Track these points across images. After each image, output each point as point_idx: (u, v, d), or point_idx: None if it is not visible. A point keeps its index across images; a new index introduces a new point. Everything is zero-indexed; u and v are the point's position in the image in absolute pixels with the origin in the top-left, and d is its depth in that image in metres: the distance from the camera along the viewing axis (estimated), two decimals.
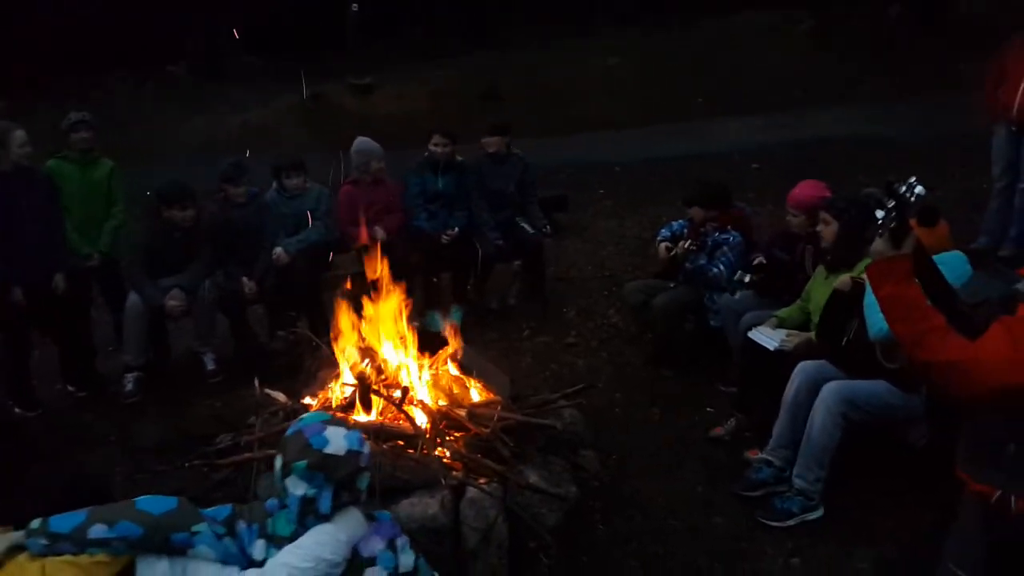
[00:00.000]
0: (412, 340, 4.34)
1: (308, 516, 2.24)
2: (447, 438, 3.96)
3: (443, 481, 3.67)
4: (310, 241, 5.94)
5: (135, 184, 6.27)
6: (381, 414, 4.10)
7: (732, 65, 14.34)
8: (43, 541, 2.12)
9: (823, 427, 3.75)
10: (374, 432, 3.90)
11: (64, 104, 9.34)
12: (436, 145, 6.25)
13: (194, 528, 2.18)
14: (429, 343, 4.44)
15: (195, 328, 5.73)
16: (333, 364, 4.39)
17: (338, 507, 2.26)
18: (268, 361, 5.52)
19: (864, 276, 3.53)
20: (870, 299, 3.54)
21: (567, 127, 12.64)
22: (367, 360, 4.32)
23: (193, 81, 17.28)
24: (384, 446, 3.83)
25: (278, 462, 2.31)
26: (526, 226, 6.39)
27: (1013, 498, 2.06)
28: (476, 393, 4.34)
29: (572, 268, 7.33)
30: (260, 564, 2.20)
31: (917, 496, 3.67)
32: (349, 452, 2.27)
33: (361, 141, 6.32)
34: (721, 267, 5.15)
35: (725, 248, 5.20)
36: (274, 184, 6.09)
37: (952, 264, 3.09)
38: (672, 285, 5.45)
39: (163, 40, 17.80)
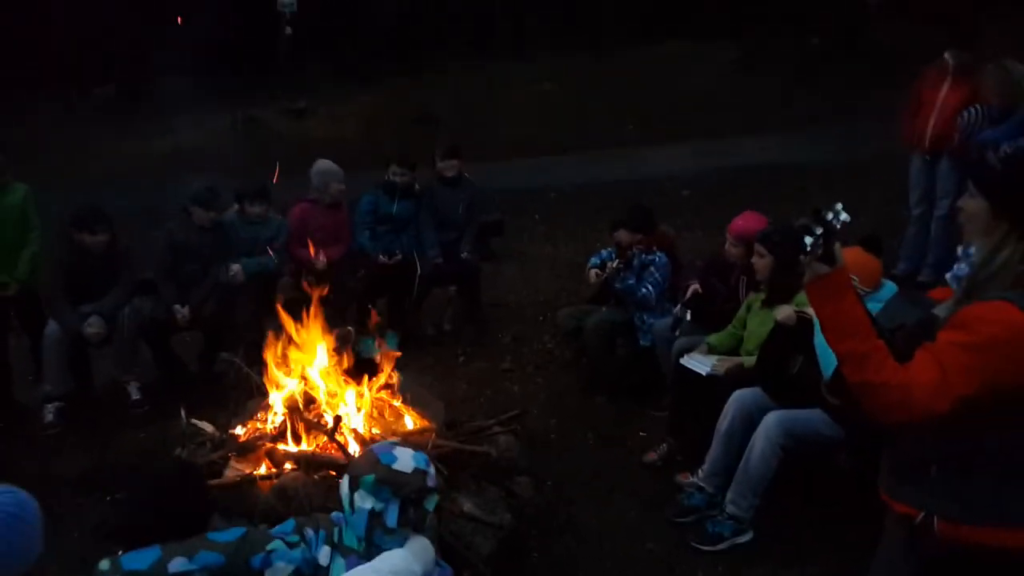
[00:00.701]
0: (346, 367, 4.29)
1: (375, 530, 2.29)
2: None
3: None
4: (267, 268, 5.87)
5: (59, 209, 6.07)
6: (313, 443, 4.04)
7: (662, 92, 14.67)
8: None
9: (762, 457, 3.81)
10: (305, 462, 3.84)
11: None
12: (395, 175, 6.26)
13: (269, 547, 2.25)
14: (364, 369, 4.40)
15: (115, 356, 5.54)
16: (264, 393, 4.31)
17: (404, 523, 2.30)
18: (196, 390, 5.37)
19: (809, 310, 3.63)
20: (823, 338, 3.62)
21: (502, 152, 12.72)
22: (299, 388, 4.25)
23: (122, 104, 16.88)
24: (315, 476, 3.77)
25: (346, 479, 2.37)
26: (466, 250, 6.41)
27: (935, 519, 2.10)
28: (410, 420, 4.30)
29: (508, 294, 7.36)
30: (325, 569, 2.27)
31: (845, 518, 3.75)
32: (416, 470, 2.35)
33: (322, 163, 6.32)
34: (649, 287, 5.24)
35: (652, 268, 5.29)
36: (235, 208, 6.01)
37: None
38: (604, 309, 5.51)
39: (92, 62, 17.41)
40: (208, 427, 4.20)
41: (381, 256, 6.16)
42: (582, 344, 5.60)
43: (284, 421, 4.09)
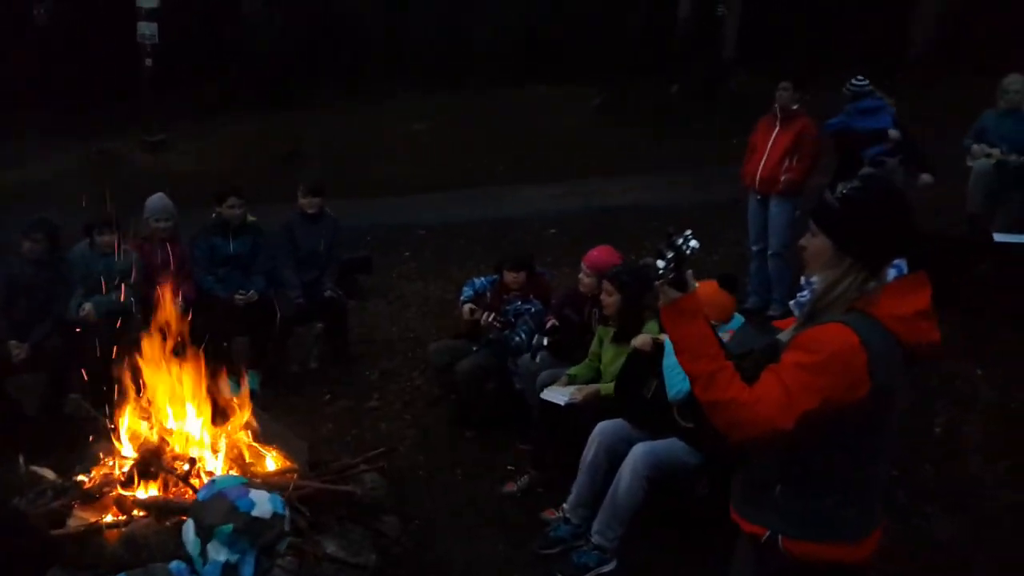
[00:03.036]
0: (203, 409, 4.13)
1: None
2: None
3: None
4: (121, 305, 5.59)
5: None
6: (165, 488, 3.85)
7: (529, 134, 15.01)
8: None
9: (629, 489, 3.90)
10: (156, 508, 3.66)
11: None
12: (232, 207, 6.08)
13: None
14: (222, 411, 4.24)
15: None
16: (112, 436, 4.09)
17: (260, 573, 2.17)
18: (36, 434, 5.01)
19: (663, 336, 3.78)
20: (670, 360, 3.78)
21: (371, 189, 12.65)
22: (151, 431, 4.06)
23: None
24: (167, 523, 3.59)
25: (191, 526, 2.19)
26: (329, 288, 6.30)
27: (780, 537, 2.21)
28: (272, 461, 4.17)
29: (376, 330, 7.27)
30: None
31: (705, 542, 3.87)
32: (275, 515, 2.21)
33: (151, 198, 6.07)
34: (523, 335, 5.32)
35: (526, 317, 5.39)
36: (86, 240, 5.73)
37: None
38: (475, 348, 5.54)
39: None
40: (49, 474, 3.95)
41: (236, 296, 5.97)
42: (452, 382, 5.59)
43: (134, 466, 3.88)
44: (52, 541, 3.27)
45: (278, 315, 6.11)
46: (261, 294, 6.06)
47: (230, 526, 2.15)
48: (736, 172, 7.01)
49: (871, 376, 2.05)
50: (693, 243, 2.16)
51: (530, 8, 19.32)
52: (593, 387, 4.50)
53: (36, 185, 12.87)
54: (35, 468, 3.98)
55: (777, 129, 6.51)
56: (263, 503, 2.22)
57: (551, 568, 3.99)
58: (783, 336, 2.31)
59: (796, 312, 2.33)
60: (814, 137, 6.54)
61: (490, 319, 5.42)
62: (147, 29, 15.26)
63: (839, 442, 2.14)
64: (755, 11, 17.15)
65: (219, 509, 2.19)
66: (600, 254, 5.03)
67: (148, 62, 15.40)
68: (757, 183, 6.61)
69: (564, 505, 4.27)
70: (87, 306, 5.51)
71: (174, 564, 2.23)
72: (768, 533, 2.24)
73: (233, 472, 3.96)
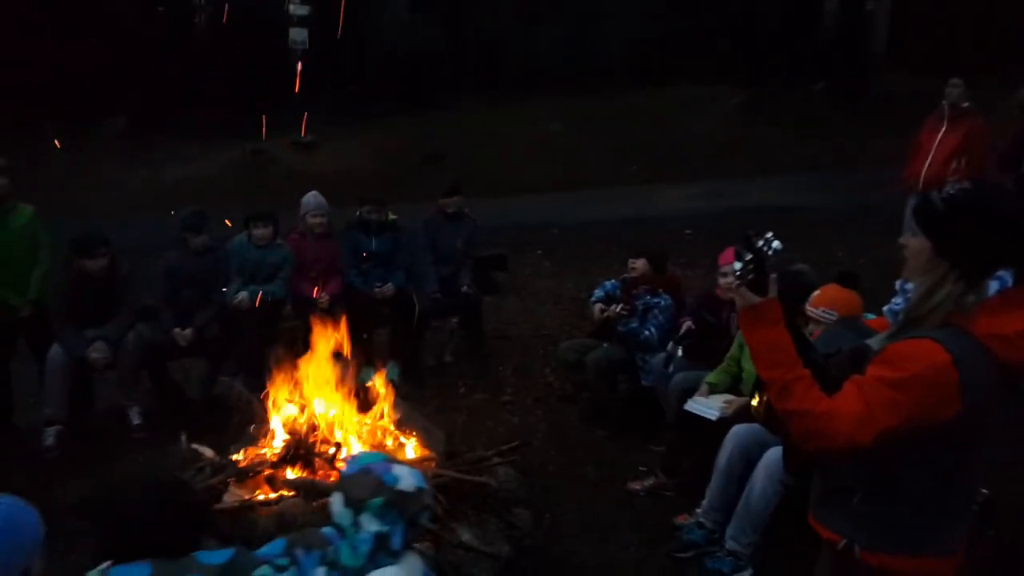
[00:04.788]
0: (348, 396, 4.31)
1: (379, 552, 2.25)
2: None
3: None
4: (275, 295, 5.94)
5: (65, 237, 6.14)
6: (313, 471, 4.04)
7: (664, 135, 14.83)
8: None
9: (763, 494, 3.80)
10: (304, 489, 3.84)
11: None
12: (369, 212, 6.34)
13: (256, 573, 2.18)
14: (365, 399, 4.41)
15: (118, 382, 5.57)
16: (265, 419, 4.33)
17: (406, 544, 2.28)
18: (196, 415, 5.38)
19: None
20: None
21: (507, 189, 12.84)
22: (301, 415, 4.26)
23: (133, 135, 17.06)
24: (314, 504, 3.77)
25: (340, 498, 2.32)
26: (465, 284, 6.45)
27: (856, 547, 2.13)
28: (411, 450, 4.31)
29: (510, 326, 7.38)
30: None
31: None
32: (418, 489, 2.32)
33: (307, 195, 6.39)
34: (652, 330, 5.27)
35: (656, 311, 5.33)
36: (245, 233, 6.09)
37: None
38: (605, 345, 5.53)
39: (102, 93, 17.64)
40: (208, 452, 4.20)
41: (375, 290, 6.21)
42: (583, 378, 5.61)
43: (284, 448, 4.10)
44: (208, 511, 3.46)
45: (416, 309, 6.30)
46: (400, 289, 6.27)
47: (380, 499, 2.25)
48: (886, 174, 6.71)
49: (961, 397, 1.94)
50: (776, 244, 2.08)
51: (665, 7, 19.03)
52: (743, 400, 4.37)
53: (197, 182, 13.79)
54: (196, 446, 4.25)
55: (944, 128, 6.21)
56: (406, 477, 2.32)
57: (684, 573, 3.93)
58: (874, 342, 2.21)
59: (890, 319, 2.21)
60: (984, 137, 6.16)
61: (618, 309, 5.40)
62: (298, 35, 16.08)
63: (923, 458, 2.04)
64: (907, 4, 16.26)
65: (367, 483, 2.29)
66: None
67: (299, 67, 16.19)
68: (921, 183, 6.29)
69: (697, 509, 4.20)
70: (242, 295, 5.83)
71: (326, 529, 2.34)
72: (845, 541, 2.17)
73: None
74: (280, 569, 2.21)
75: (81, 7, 17.99)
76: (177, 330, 5.62)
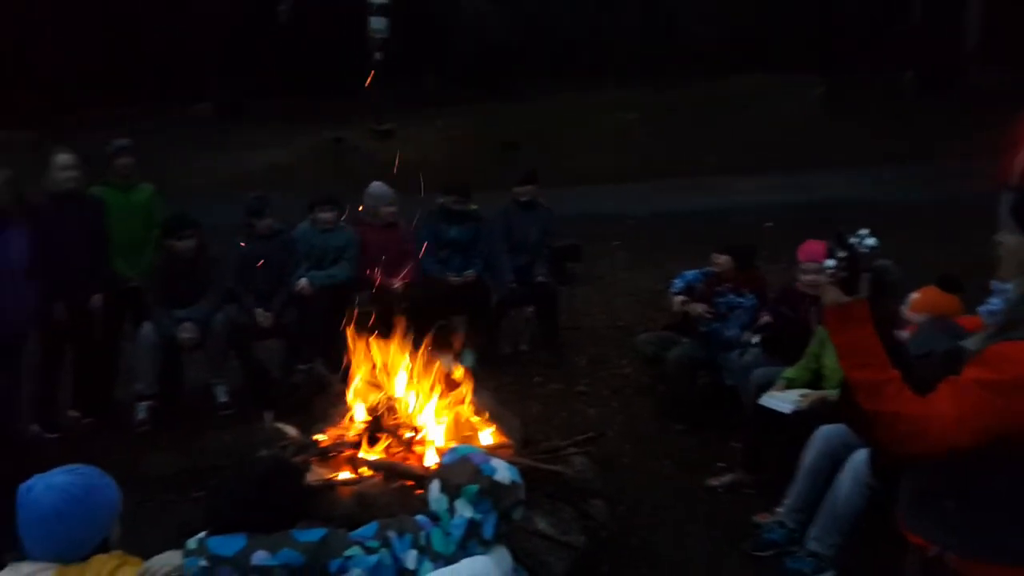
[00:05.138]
0: (427, 381, 4.36)
1: (471, 540, 2.29)
2: None
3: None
4: (338, 279, 6.01)
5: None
6: (390, 453, 4.10)
7: (745, 125, 14.54)
8: (202, 563, 2.13)
9: (849, 496, 3.71)
10: (385, 470, 3.91)
11: (90, 138, 9.48)
12: (453, 202, 6.37)
13: (347, 553, 2.22)
14: (444, 385, 4.45)
15: (208, 360, 5.75)
16: (345, 401, 4.41)
17: (498, 536, 2.32)
18: (280, 395, 5.52)
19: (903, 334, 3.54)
20: None
21: (582, 178, 12.79)
22: (380, 398, 4.33)
23: (217, 120, 17.57)
24: (391, 485, 3.83)
25: (437, 484, 2.37)
26: (541, 274, 6.45)
27: (949, 554, 2.06)
28: (487, 436, 4.33)
29: (585, 317, 7.36)
30: (412, 573, 2.25)
31: None
32: (513, 483, 2.36)
33: (372, 185, 6.46)
34: (735, 330, 5.19)
35: (740, 311, 5.24)
36: (308, 217, 6.19)
37: None
38: (684, 340, 5.46)
39: (189, 79, 18.21)
40: (292, 431, 4.29)
41: (452, 277, 6.24)
42: (660, 371, 5.56)
43: (364, 429, 4.17)
44: (312, 497, 3.51)
45: (492, 297, 6.33)
46: (477, 277, 6.30)
47: (476, 487, 2.29)
48: (975, 169, 6.43)
49: None
50: (870, 241, 2.01)
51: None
52: (820, 393, 4.28)
53: (277, 168, 14.12)
54: (280, 425, 4.36)
55: None
56: (503, 470, 2.36)
57: (763, 572, 3.86)
58: (969, 344, 2.14)
59: (986, 319, 2.11)
60: None
61: (701, 311, 5.32)
62: (377, 24, 16.26)
63: (1020, 462, 1.96)
64: None
65: (465, 471, 2.34)
66: (817, 248, 4.79)
67: (377, 55, 16.39)
68: (1019, 178, 6.00)
69: (778, 508, 4.12)
70: (303, 281, 5.94)
71: (420, 516, 2.38)
72: (936, 549, 2.09)
73: (452, 443, 4.15)
74: (371, 551, 2.24)
75: None
76: (258, 310, 5.77)
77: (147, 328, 5.48)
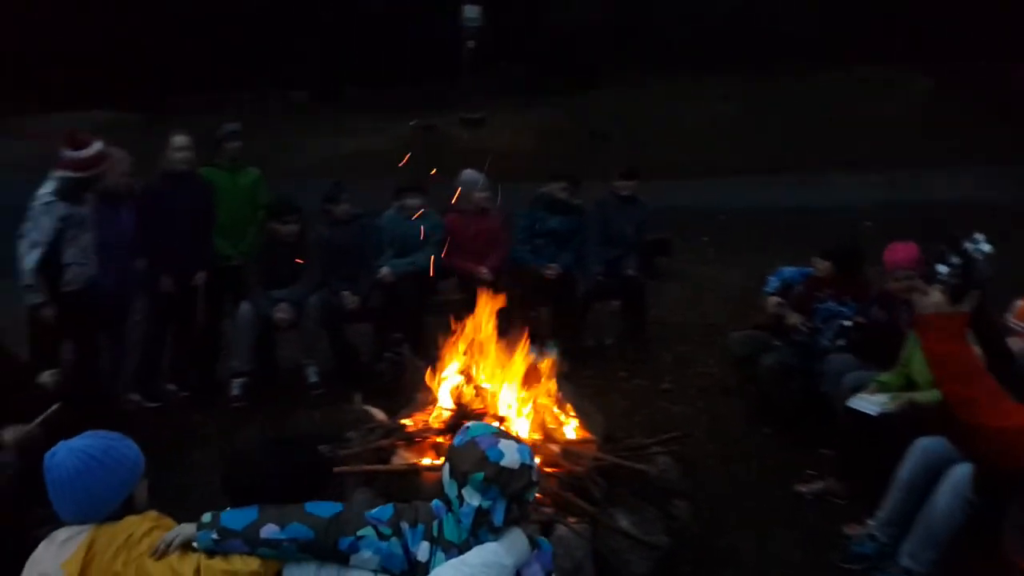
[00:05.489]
0: (513, 371, 4.36)
1: (481, 527, 2.25)
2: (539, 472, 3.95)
3: (531, 515, 3.64)
4: (418, 265, 6.08)
5: None
6: None
7: (846, 119, 14.05)
8: (214, 536, 2.19)
9: (948, 512, 3.55)
10: None
11: (197, 120, 9.82)
12: (562, 190, 6.35)
13: (359, 532, 2.22)
14: (526, 375, 4.45)
15: (300, 341, 5.90)
16: (431, 386, 4.45)
17: (509, 521, 2.26)
18: (369, 378, 5.62)
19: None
20: None
21: (673, 170, 12.58)
22: (465, 386, 4.36)
23: (312, 106, 17.99)
24: None
25: (448, 469, 2.32)
26: (631, 268, 6.38)
27: None
28: (571, 430, 4.31)
29: (672, 313, 7.26)
30: (424, 565, 2.22)
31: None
32: (523, 466, 2.26)
33: (466, 172, 6.49)
34: (836, 342, 5.01)
35: (840, 321, 5.04)
36: (393, 204, 6.25)
37: None
38: (777, 343, 5.31)
39: (286, 66, 18.71)
40: (380, 414, 4.37)
41: (545, 269, 6.22)
42: (751, 373, 5.41)
43: (450, 416, 4.20)
44: (329, 471, 3.47)
45: (579, 289, 6.29)
46: (566, 268, 6.27)
47: (481, 474, 2.21)
48: None
49: None
50: (985, 247, 1.88)
51: None
52: (907, 395, 4.13)
53: (369, 154, 14.36)
54: (368, 407, 4.44)
55: None
56: (511, 453, 2.25)
57: None
58: None
59: None
60: None
61: (796, 321, 5.15)
62: (471, 12, 16.35)
63: None
64: None
65: (471, 457, 2.24)
66: (906, 252, 4.59)
67: (470, 44, 16.50)
68: None
69: (870, 521, 3.97)
70: (384, 270, 6.03)
71: (435, 502, 2.33)
72: None
73: (536, 435, 4.15)
74: (383, 537, 2.23)
75: None
76: (345, 293, 5.88)
77: (245, 307, 5.65)
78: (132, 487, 2.32)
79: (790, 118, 14.40)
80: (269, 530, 2.18)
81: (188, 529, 2.22)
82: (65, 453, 2.26)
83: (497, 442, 2.27)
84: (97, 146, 4.90)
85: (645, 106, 15.74)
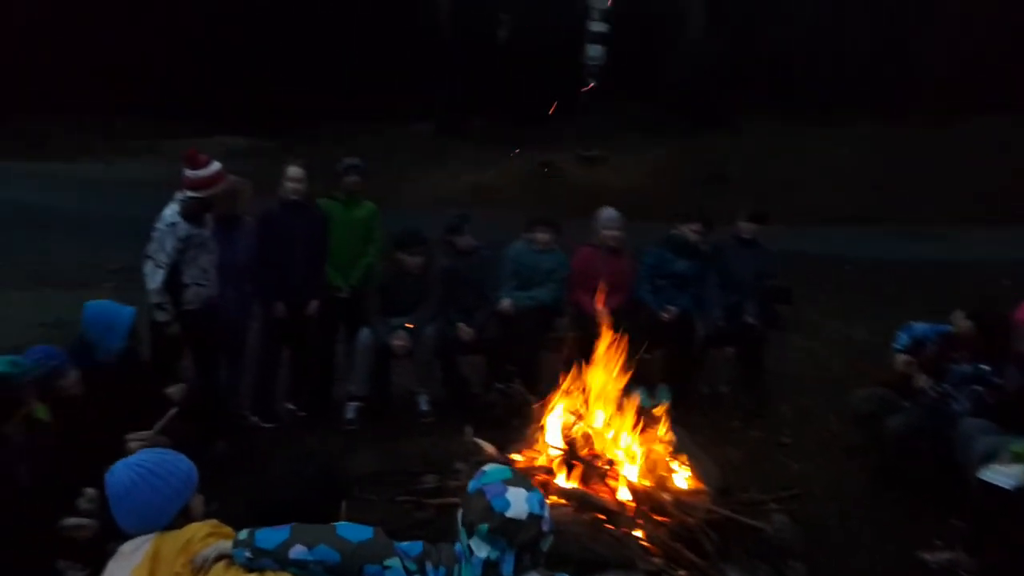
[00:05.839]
0: (626, 414, 4.30)
1: None
2: (649, 520, 3.86)
3: (639, 564, 3.56)
4: (539, 300, 6.10)
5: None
6: (583, 483, 4.06)
7: (982, 169, 13.32)
8: (247, 554, 2.24)
9: None
10: (578, 500, 3.88)
11: (321, 150, 10.25)
12: (692, 232, 6.26)
13: (387, 562, 2.22)
14: (638, 419, 4.38)
15: (415, 369, 6.01)
16: (543, 424, 4.43)
17: (521, 571, 2.20)
18: (480, 410, 5.64)
19: None
20: None
21: (794, 217, 12.21)
22: (577, 426, 4.32)
23: (434, 139, 18.47)
24: (584, 516, 3.79)
25: (460, 516, 2.29)
26: (749, 316, 6.20)
27: None
28: (683, 479, 4.21)
29: (791, 365, 6.99)
30: None
31: None
32: (530, 516, 2.18)
33: (602, 209, 6.47)
34: (968, 404, 4.71)
35: (974, 386, 4.73)
36: (523, 237, 6.33)
37: None
38: (905, 403, 5.04)
39: (411, 99, 19.35)
40: (490, 448, 4.36)
41: (663, 311, 6.12)
42: (876, 434, 5.13)
43: (560, 456, 4.16)
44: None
45: (697, 334, 6.16)
46: (684, 311, 6.15)
47: (486, 525, 2.15)
48: None
49: None
50: None
51: (991, 28, 16.97)
52: None
53: (488, 189, 14.61)
54: (479, 440, 4.44)
55: None
56: (519, 503, 2.18)
57: None
58: None
59: None
60: None
61: (925, 384, 4.86)
62: (595, 52, 16.47)
63: None
64: None
65: (477, 506, 2.19)
66: None
67: (591, 82, 16.60)
68: None
69: None
70: (506, 301, 6.04)
71: (457, 546, 2.28)
72: None
73: (647, 481, 4.06)
74: (409, 573, 2.21)
75: (398, 17, 19.90)
76: (461, 324, 5.95)
77: (365, 333, 5.79)
78: (186, 498, 2.44)
79: (922, 166, 13.77)
80: (298, 551, 2.21)
81: (225, 545, 2.27)
82: (122, 468, 2.41)
83: (505, 491, 2.21)
84: (215, 166, 5.13)
85: (767, 149, 15.39)
